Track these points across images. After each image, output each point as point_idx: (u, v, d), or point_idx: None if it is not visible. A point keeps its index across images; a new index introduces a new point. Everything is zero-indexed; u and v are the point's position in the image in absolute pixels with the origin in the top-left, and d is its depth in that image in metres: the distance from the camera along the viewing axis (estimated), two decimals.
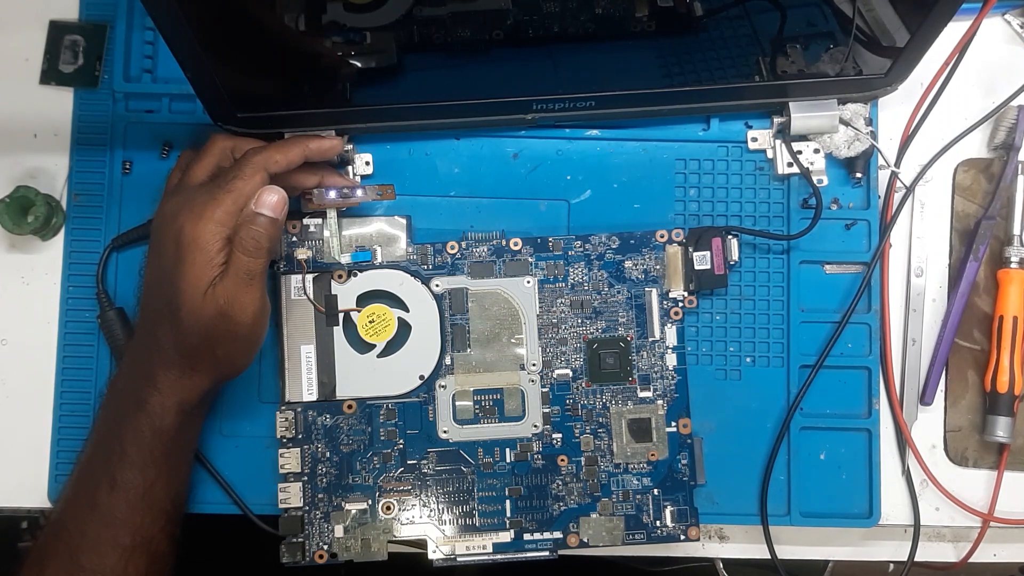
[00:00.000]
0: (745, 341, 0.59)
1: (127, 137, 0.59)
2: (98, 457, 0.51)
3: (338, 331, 0.56)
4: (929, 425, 0.60)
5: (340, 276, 0.56)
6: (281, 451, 0.55)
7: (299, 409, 0.56)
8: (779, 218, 0.59)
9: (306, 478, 0.55)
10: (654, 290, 0.57)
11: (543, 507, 0.56)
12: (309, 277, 0.56)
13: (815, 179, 0.58)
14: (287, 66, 0.54)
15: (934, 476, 0.59)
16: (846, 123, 0.57)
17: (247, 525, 0.57)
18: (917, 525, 0.59)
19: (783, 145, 0.59)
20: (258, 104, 0.53)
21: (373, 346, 0.56)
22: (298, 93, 0.55)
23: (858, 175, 0.59)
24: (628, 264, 0.57)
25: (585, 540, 0.55)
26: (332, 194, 0.55)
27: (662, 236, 0.57)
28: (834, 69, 0.56)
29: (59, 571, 0.50)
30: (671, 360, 0.57)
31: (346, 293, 0.57)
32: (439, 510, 0.56)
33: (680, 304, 0.57)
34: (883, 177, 0.60)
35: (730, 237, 0.57)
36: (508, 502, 0.56)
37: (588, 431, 0.56)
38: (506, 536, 0.55)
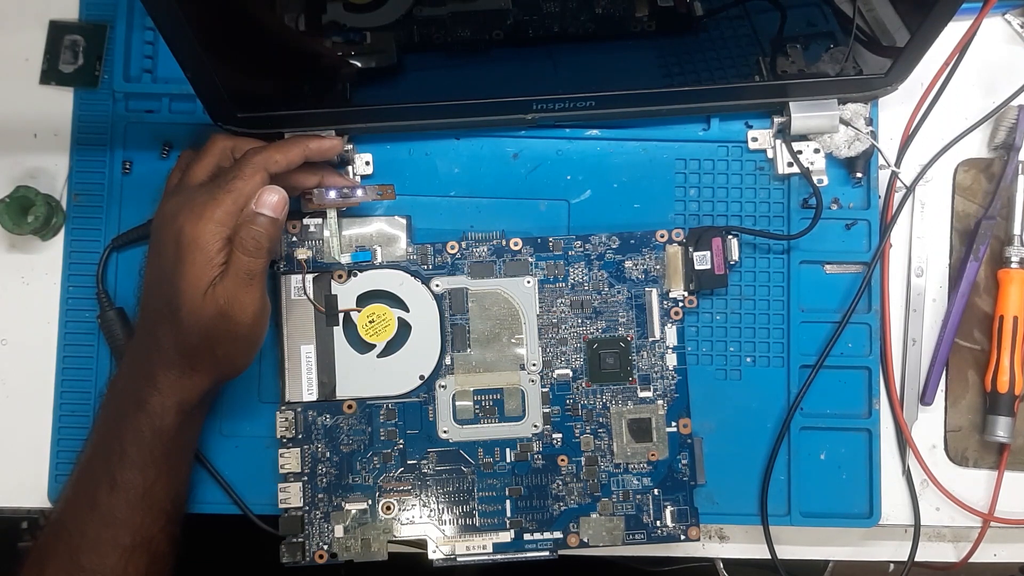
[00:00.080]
0: (745, 341, 0.59)
1: (127, 137, 0.59)
2: (98, 457, 0.51)
3: (338, 331, 0.56)
4: (929, 425, 0.60)
5: (340, 276, 0.56)
6: (281, 451, 0.55)
7: (299, 409, 0.56)
8: (779, 218, 0.59)
9: (306, 478, 0.55)
10: (654, 290, 0.57)
11: (543, 507, 0.56)
12: (309, 277, 0.56)
13: (815, 179, 0.58)
14: (287, 66, 0.54)
15: (934, 476, 0.59)
16: (846, 123, 0.57)
17: (247, 525, 0.57)
18: (917, 525, 0.59)
19: (783, 145, 0.59)
20: (258, 104, 0.53)
21: (373, 346, 0.56)
22: (298, 93, 0.55)
23: (858, 175, 0.59)
24: (628, 264, 0.57)
25: (585, 540, 0.55)
26: (332, 194, 0.55)
27: (662, 236, 0.57)
28: (834, 69, 0.56)
29: (59, 571, 0.50)
30: (671, 360, 0.57)
31: (346, 293, 0.57)
32: (439, 510, 0.56)
33: (680, 304, 0.57)
34: (883, 177, 0.60)
35: (730, 237, 0.57)
36: (508, 502, 0.56)
37: (588, 431, 0.56)
38: (506, 536, 0.55)
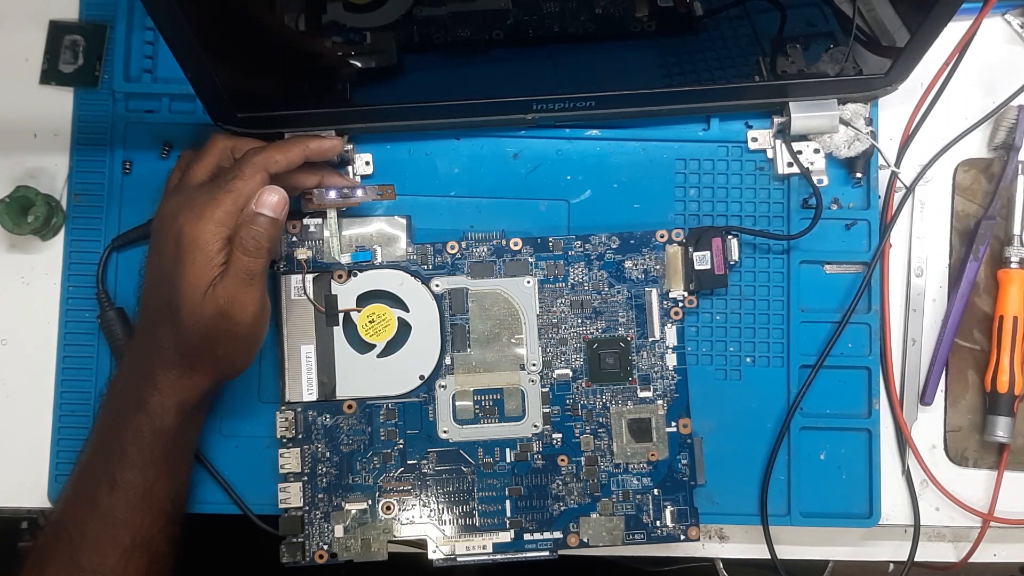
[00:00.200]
0: (745, 341, 0.59)
1: (127, 137, 0.59)
2: (98, 457, 0.51)
3: (338, 331, 0.56)
4: (929, 425, 0.60)
5: (340, 276, 0.56)
6: (281, 451, 0.55)
7: (299, 409, 0.56)
8: (779, 218, 0.59)
9: (306, 478, 0.55)
10: (654, 290, 0.57)
11: (543, 507, 0.56)
12: (309, 277, 0.56)
13: (815, 179, 0.58)
14: (287, 66, 0.54)
15: (934, 476, 0.59)
16: (846, 123, 0.57)
17: (247, 525, 0.57)
18: (917, 525, 0.59)
19: (783, 145, 0.59)
20: (258, 104, 0.53)
21: (373, 346, 0.56)
22: (298, 93, 0.55)
23: (858, 175, 0.59)
24: (628, 264, 0.57)
25: (585, 540, 0.55)
26: (332, 194, 0.55)
27: (662, 236, 0.57)
28: (834, 69, 0.56)
29: (59, 571, 0.50)
30: (671, 360, 0.57)
31: (346, 293, 0.57)
32: (439, 510, 0.56)
33: (680, 304, 0.57)
34: (883, 177, 0.60)
35: (730, 237, 0.57)
36: (508, 502, 0.56)
37: (588, 431, 0.56)
38: (506, 536, 0.55)
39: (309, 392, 0.56)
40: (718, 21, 0.56)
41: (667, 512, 0.56)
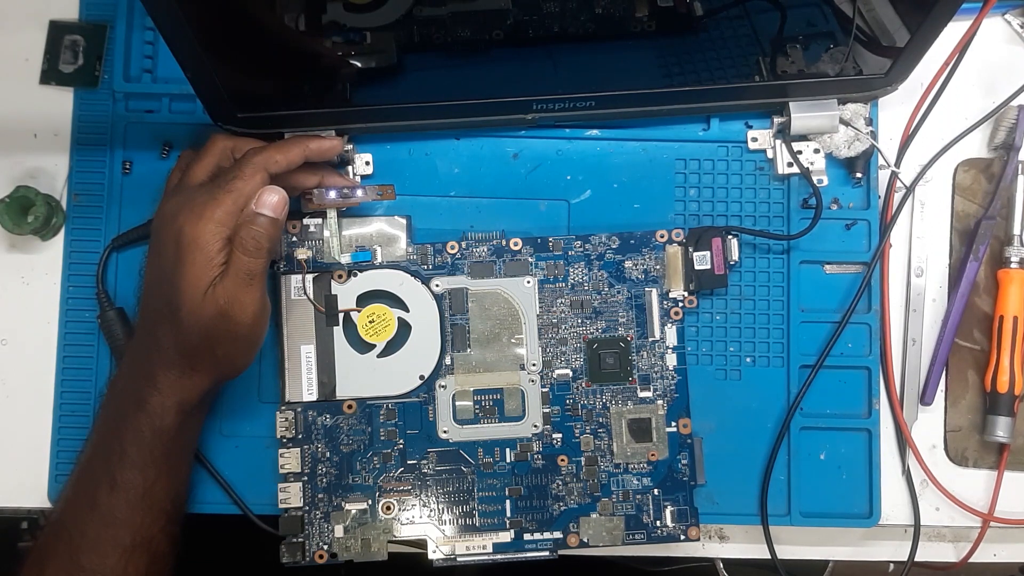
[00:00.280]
0: (745, 341, 0.59)
1: (127, 137, 0.59)
2: (98, 457, 0.51)
3: (338, 331, 0.56)
4: (929, 425, 0.60)
5: (340, 276, 0.56)
6: (281, 451, 0.55)
7: (299, 409, 0.56)
8: (779, 218, 0.59)
9: (306, 478, 0.55)
10: (654, 290, 0.57)
11: (543, 507, 0.56)
12: (309, 277, 0.56)
13: (815, 179, 0.58)
14: (287, 66, 0.54)
15: (934, 476, 0.59)
16: (846, 123, 0.57)
17: (247, 525, 0.57)
18: (917, 525, 0.59)
19: (783, 145, 0.59)
20: (258, 104, 0.53)
21: (373, 346, 0.56)
22: (298, 93, 0.55)
23: (858, 175, 0.59)
24: (628, 264, 0.57)
25: (585, 540, 0.55)
26: (332, 194, 0.55)
27: (662, 236, 0.57)
28: (834, 69, 0.56)
29: (59, 571, 0.50)
30: (671, 360, 0.57)
31: (346, 293, 0.57)
32: (439, 510, 0.56)
33: (680, 304, 0.57)
34: (883, 177, 0.60)
35: (730, 237, 0.57)
36: (508, 502, 0.56)
37: (588, 431, 0.56)
38: (506, 536, 0.55)
39: (309, 392, 0.56)
40: (718, 21, 0.56)
41: (667, 512, 0.56)
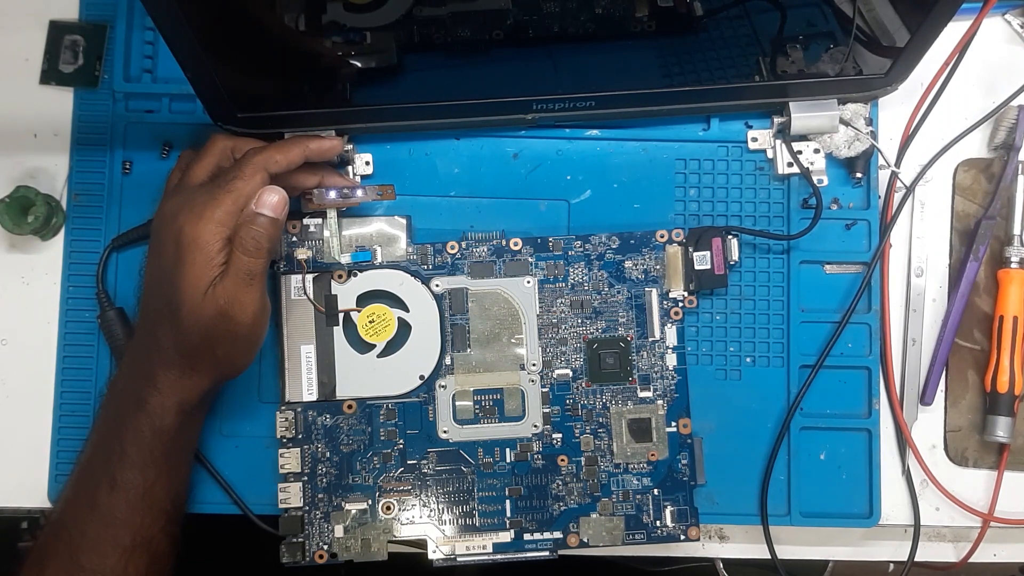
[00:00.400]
0: (745, 341, 0.59)
1: (127, 137, 0.59)
2: (98, 457, 0.51)
3: (338, 331, 0.56)
4: (929, 425, 0.60)
5: (340, 276, 0.56)
6: (281, 451, 0.55)
7: (299, 409, 0.56)
8: (779, 218, 0.59)
9: (306, 478, 0.55)
10: (654, 290, 0.57)
11: (543, 507, 0.56)
12: (309, 277, 0.56)
13: (815, 179, 0.58)
14: (287, 66, 0.54)
15: (934, 476, 0.59)
16: (846, 123, 0.57)
17: (247, 525, 0.57)
18: (917, 525, 0.59)
19: (783, 145, 0.59)
20: (258, 104, 0.53)
21: (373, 346, 0.56)
22: (298, 93, 0.55)
23: (858, 175, 0.59)
24: (628, 264, 0.57)
25: (585, 540, 0.55)
26: (332, 194, 0.55)
27: (662, 236, 0.57)
28: (834, 69, 0.56)
29: (59, 571, 0.50)
30: (671, 360, 0.57)
31: (346, 293, 0.57)
32: (439, 510, 0.56)
33: (680, 304, 0.57)
34: (883, 177, 0.60)
35: (730, 237, 0.57)
36: (508, 502, 0.56)
37: (588, 431, 0.56)
38: (506, 536, 0.55)
39: (309, 392, 0.56)
40: (718, 21, 0.56)
41: (667, 512, 0.56)
